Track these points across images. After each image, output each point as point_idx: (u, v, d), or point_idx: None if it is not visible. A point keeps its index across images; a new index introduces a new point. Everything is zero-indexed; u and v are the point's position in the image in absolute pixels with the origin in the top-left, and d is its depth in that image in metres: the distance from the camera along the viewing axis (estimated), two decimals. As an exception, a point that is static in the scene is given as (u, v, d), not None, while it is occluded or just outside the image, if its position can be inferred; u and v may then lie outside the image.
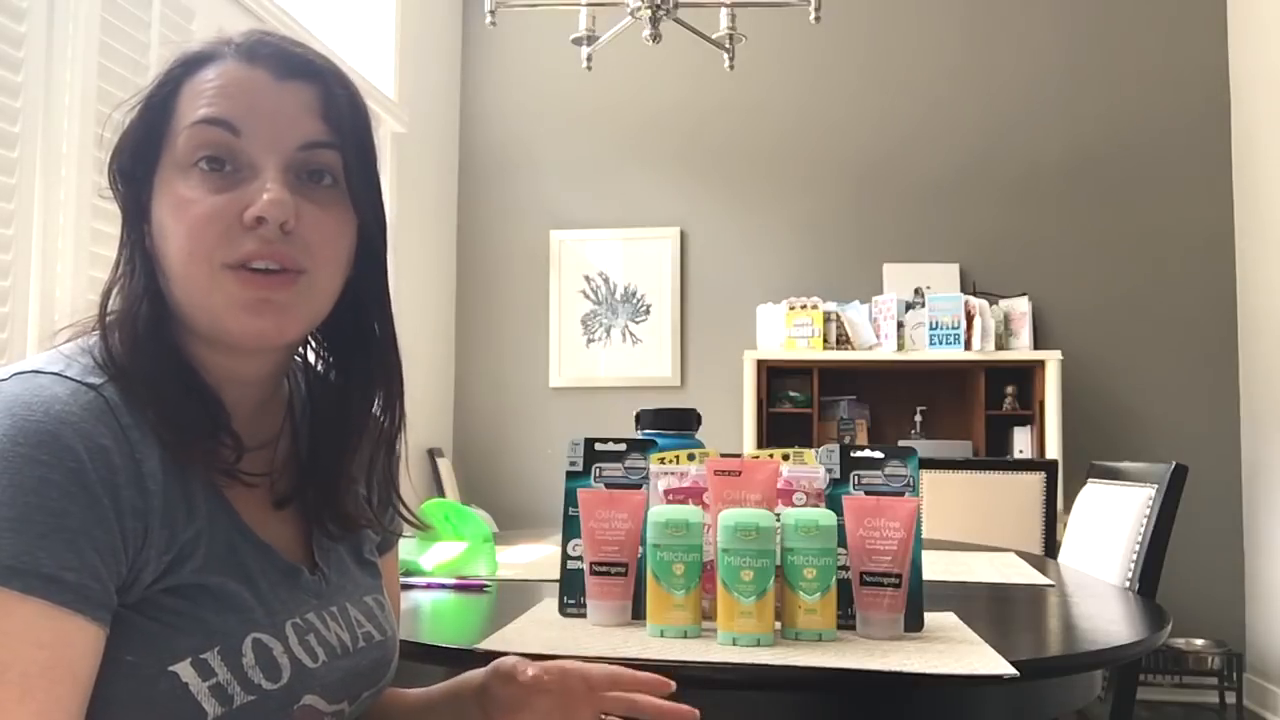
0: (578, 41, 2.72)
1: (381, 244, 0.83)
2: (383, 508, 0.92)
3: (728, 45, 2.77)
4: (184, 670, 0.68)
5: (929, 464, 2.54)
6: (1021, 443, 3.76)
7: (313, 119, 0.77)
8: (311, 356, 0.89)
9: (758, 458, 1.17)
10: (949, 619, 1.21)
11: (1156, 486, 1.91)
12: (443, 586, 1.46)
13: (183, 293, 0.75)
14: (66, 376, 0.69)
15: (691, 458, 1.22)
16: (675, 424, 1.53)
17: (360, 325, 0.85)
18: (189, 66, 0.77)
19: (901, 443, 3.18)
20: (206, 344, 0.78)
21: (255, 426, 0.82)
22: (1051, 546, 2.48)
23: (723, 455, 1.19)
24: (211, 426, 0.76)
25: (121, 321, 0.76)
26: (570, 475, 1.21)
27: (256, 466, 0.80)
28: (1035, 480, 2.55)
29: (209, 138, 0.74)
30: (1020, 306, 3.82)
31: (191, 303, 0.75)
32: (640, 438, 1.32)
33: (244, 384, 0.81)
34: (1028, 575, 1.68)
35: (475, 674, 0.92)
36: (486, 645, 1.04)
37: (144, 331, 0.75)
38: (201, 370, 0.78)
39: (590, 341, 4.24)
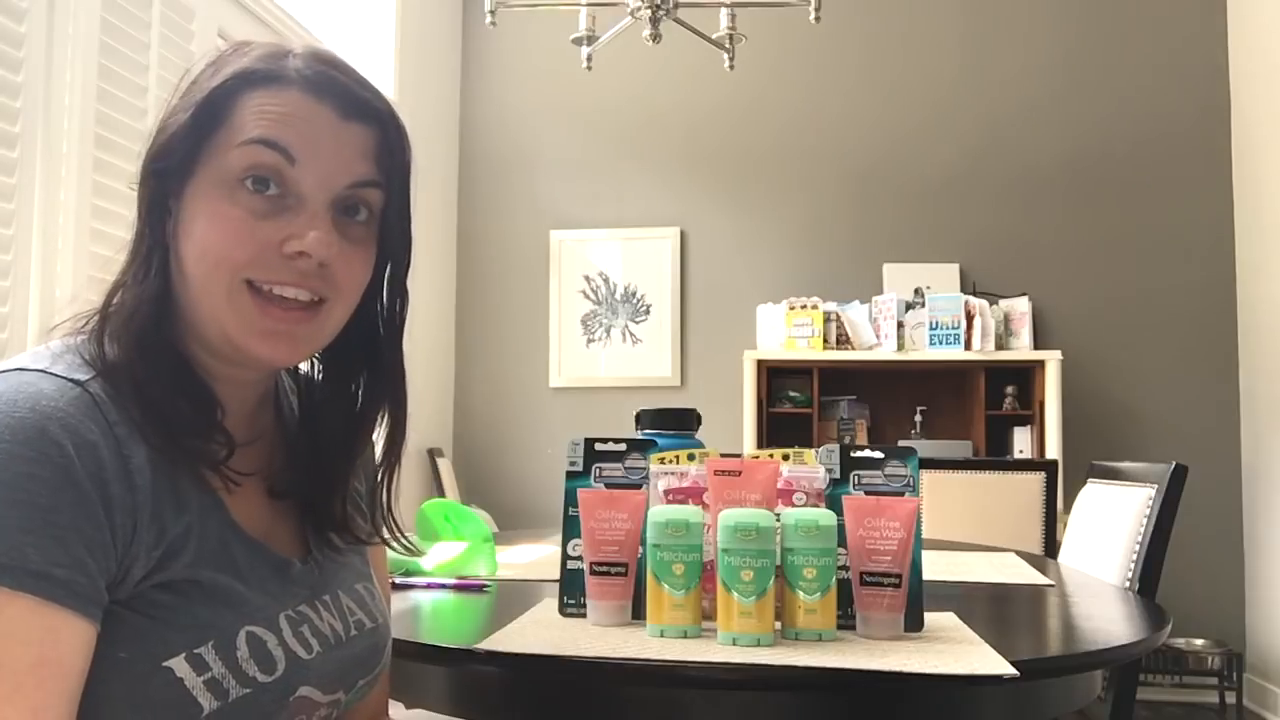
0: (578, 41, 2.72)
1: (406, 276, 0.87)
2: (379, 521, 0.93)
3: (728, 45, 2.77)
4: (178, 665, 0.68)
5: (929, 464, 2.54)
6: (1021, 443, 3.76)
7: (366, 161, 0.79)
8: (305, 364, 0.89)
9: (758, 458, 1.17)
10: (949, 619, 1.21)
11: (1156, 486, 1.91)
12: (443, 586, 1.46)
13: (197, 299, 0.76)
14: (52, 373, 0.69)
15: (691, 458, 1.21)
16: (675, 424, 1.53)
17: (372, 346, 0.87)
18: (250, 80, 0.76)
19: (901, 443, 3.18)
20: (208, 350, 0.78)
21: (250, 423, 0.83)
22: (1051, 546, 2.48)
23: (723, 455, 1.19)
24: (204, 425, 0.76)
25: (125, 317, 0.75)
26: (570, 475, 1.21)
27: (247, 463, 0.80)
28: (1035, 480, 2.54)
29: (264, 159, 0.74)
30: (1020, 306, 3.81)
31: (204, 311, 0.76)
32: (640, 438, 1.32)
33: (240, 384, 0.81)
34: (1028, 575, 1.68)
35: None
36: (486, 645, 1.04)
37: (144, 328, 0.75)
38: (198, 369, 0.78)
39: (590, 341, 4.24)
